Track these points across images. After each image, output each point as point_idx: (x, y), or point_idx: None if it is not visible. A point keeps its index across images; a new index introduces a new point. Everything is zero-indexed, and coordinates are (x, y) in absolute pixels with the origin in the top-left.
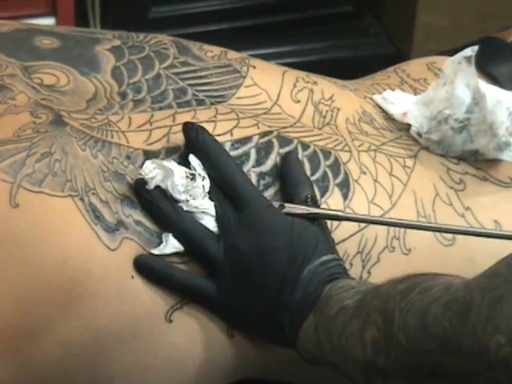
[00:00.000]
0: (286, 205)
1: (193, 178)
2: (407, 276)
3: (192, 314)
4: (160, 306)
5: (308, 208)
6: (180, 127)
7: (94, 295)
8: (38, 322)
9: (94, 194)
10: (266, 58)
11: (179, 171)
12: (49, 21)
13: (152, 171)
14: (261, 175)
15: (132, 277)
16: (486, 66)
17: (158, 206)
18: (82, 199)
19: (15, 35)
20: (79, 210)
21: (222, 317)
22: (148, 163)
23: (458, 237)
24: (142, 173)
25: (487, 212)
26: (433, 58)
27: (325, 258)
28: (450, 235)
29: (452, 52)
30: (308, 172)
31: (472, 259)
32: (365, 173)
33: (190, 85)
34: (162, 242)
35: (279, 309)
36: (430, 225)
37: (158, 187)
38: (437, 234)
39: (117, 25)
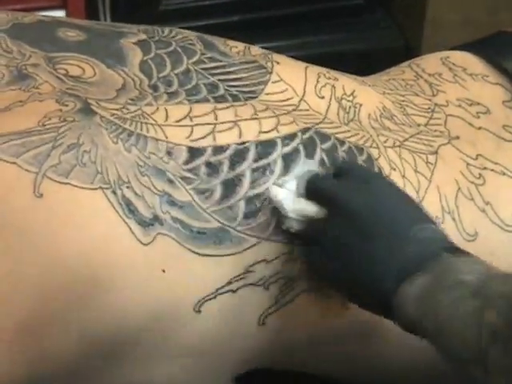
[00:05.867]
0: None
1: None
2: None
3: (225, 304)
4: (190, 298)
5: None
6: (224, 126)
7: (120, 288)
8: (57, 310)
9: (128, 187)
10: (277, 50)
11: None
12: (59, 13)
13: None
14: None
15: (163, 271)
16: (500, 61)
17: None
18: (114, 192)
19: (38, 26)
20: (110, 203)
21: (324, 264)
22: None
23: (479, 233)
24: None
25: (506, 207)
26: (447, 52)
27: (432, 225)
28: (472, 231)
29: (464, 46)
30: None
31: (493, 254)
32: (394, 169)
33: (220, 80)
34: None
35: (386, 262)
36: None
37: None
38: (460, 230)
39: (127, 17)
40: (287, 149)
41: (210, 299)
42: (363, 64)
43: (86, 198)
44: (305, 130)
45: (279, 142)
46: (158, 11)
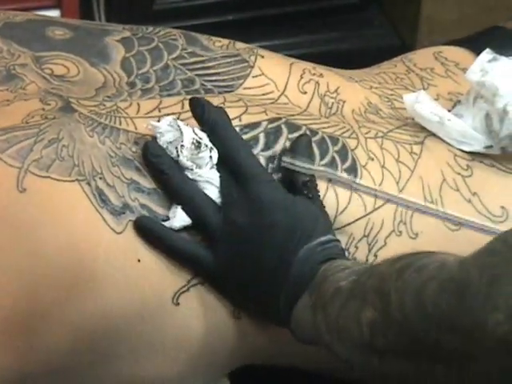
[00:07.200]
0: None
1: (198, 146)
2: (402, 255)
3: (199, 297)
4: (167, 289)
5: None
6: (188, 114)
7: (101, 278)
8: (45, 305)
9: (100, 178)
10: (271, 49)
11: (189, 137)
12: (53, 13)
13: (165, 127)
14: (270, 159)
15: (138, 260)
16: None
17: (163, 171)
18: (88, 183)
19: (28, 25)
20: (85, 194)
21: (220, 289)
22: (164, 121)
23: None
24: (155, 124)
25: (494, 198)
26: (439, 47)
27: (323, 238)
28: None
29: (458, 42)
30: (317, 157)
31: (479, 245)
32: (372, 159)
33: (197, 75)
34: (170, 216)
35: (274, 286)
36: (437, 211)
37: (165, 152)
38: (444, 219)
39: (122, 16)
40: (244, 137)
41: (185, 291)
42: (357, 62)
43: (65, 191)
44: (273, 120)
45: (237, 130)
46: (152, 11)
